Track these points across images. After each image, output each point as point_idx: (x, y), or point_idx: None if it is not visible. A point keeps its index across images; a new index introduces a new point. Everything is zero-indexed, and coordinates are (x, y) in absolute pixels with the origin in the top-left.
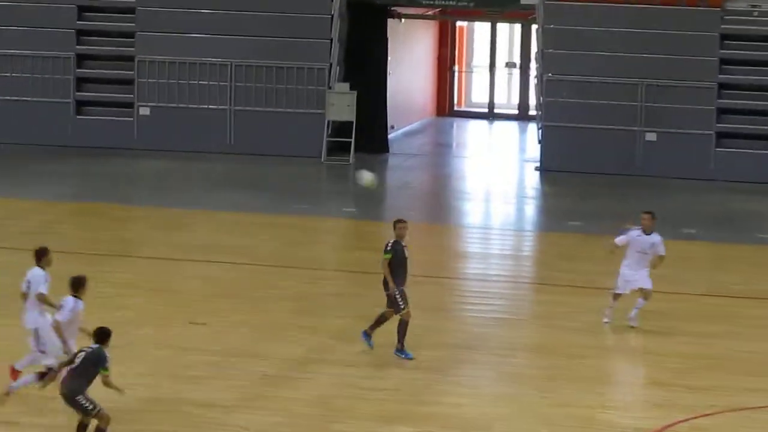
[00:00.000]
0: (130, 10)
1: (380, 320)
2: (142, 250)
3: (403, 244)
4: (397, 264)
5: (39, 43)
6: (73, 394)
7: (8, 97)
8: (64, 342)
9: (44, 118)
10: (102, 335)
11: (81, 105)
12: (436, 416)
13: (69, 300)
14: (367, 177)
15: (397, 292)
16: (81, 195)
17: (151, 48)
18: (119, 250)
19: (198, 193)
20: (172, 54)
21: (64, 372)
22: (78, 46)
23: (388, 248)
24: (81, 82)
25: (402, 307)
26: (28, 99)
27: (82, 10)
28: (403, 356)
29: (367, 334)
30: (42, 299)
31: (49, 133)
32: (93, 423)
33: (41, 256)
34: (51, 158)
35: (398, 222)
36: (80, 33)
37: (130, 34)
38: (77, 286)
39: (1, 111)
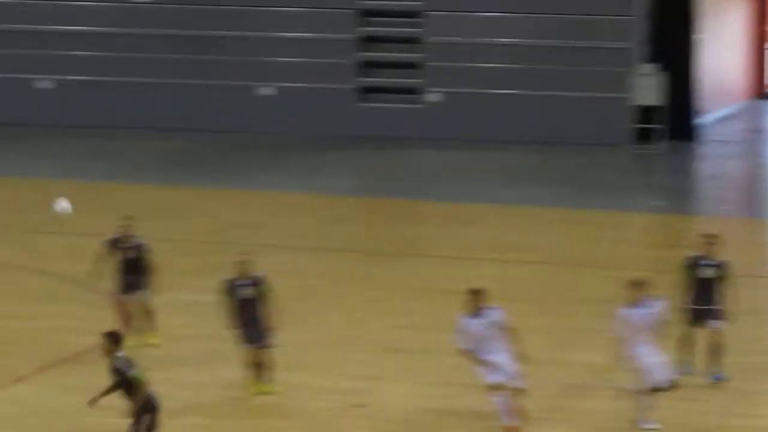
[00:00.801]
0: None
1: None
2: (428, 249)
3: (712, 262)
4: (694, 283)
5: (318, 24)
6: None
7: (287, 84)
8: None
9: (324, 106)
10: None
11: (364, 91)
12: (754, 430)
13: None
14: (62, 208)
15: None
16: (363, 188)
17: (440, 29)
18: (403, 249)
19: (489, 185)
20: (463, 35)
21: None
22: (360, 28)
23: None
24: (364, 66)
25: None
26: (307, 85)
27: None
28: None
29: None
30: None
31: (330, 122)
32: None
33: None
34: (331, 149)
35: (702, 237)
36: (363, 13)
37: (417, 14)
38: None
39: (278, 98)
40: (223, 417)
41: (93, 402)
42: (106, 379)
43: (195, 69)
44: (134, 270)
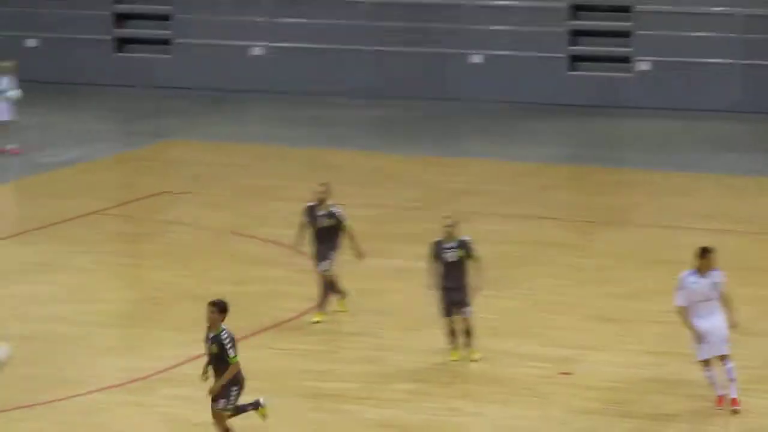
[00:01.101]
0: None
1: None
2: (636, 218)
3: None
4: None
5: None
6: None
7: (499, 52)
8: None
9: (535, 74)
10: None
11: (575, 60)
12: None
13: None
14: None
15: None
16: (574, 157)
17: None
18: (613, 218)
19: (700, 154)
20: (674, 3)
21: None
22: None
23: None
24: (575, 35)
25: None
26: (518, 53)
27: None
28: None
29: None
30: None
31: (541, 90)
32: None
33: None
34: (542, 117)
35: None
36: None
37: None
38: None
39: (488, 66)
40: (431, 382)
41: (205, 375)
42: (317, 344)
43: (406, 36)
44: (326, 239)
